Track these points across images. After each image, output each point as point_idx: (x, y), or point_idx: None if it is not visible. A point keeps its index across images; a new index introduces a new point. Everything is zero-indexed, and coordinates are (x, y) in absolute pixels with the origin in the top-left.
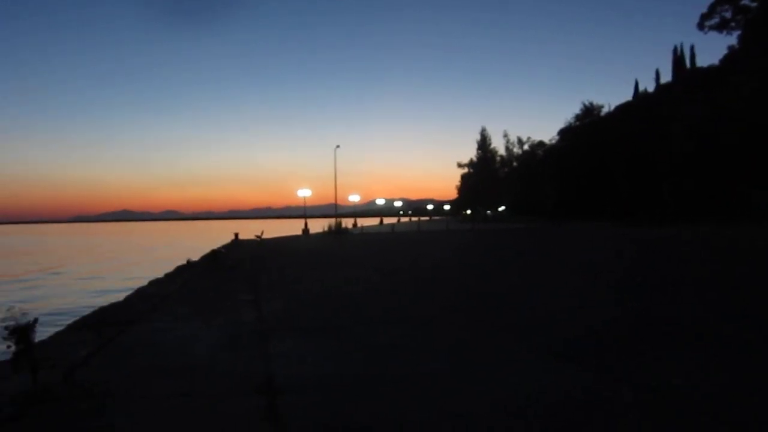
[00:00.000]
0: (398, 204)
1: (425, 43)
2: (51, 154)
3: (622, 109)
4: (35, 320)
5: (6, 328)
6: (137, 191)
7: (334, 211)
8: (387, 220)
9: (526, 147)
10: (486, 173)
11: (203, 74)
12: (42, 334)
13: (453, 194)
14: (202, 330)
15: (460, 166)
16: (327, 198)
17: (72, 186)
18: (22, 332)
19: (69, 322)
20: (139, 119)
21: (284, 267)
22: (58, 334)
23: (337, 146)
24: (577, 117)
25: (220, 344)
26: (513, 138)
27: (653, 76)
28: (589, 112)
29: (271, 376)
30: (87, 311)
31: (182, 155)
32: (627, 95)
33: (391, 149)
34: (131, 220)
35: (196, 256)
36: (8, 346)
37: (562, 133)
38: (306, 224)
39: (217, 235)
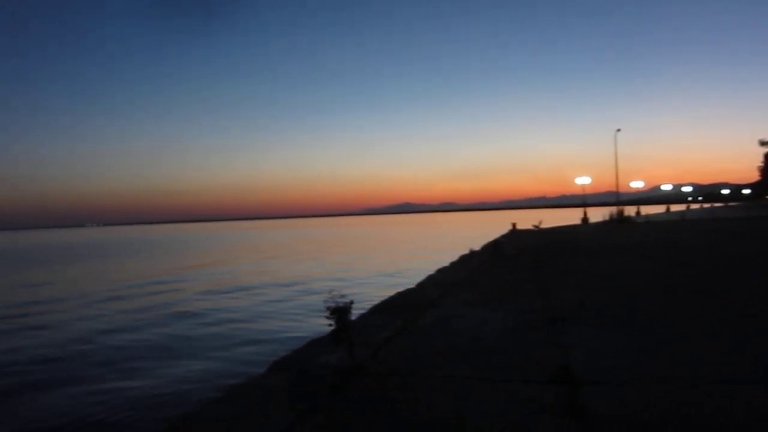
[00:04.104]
0: (687, 189)
1: (711, 12)
2: (340, 153)
3: None
4: (351, 302)
5: (327, 308)
6: (417, 184)
7: (615, 198)
8: (674, 207)
9: None
10: None
11: (475, 68)
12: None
13: (753, 176)
14: (492, 316)
15: (762, 143)
16: (606, 185)
17: (361, 181)
18: (341, 313)
19: (370, 305)
20: (418, 116)
21: (565, 256)
22: (362, 316)
23: (618, 130)
24: None
25: (510, 331)
26: None
27: None
28: None
29: (568, 366)
30: (384, 295)
31: (459, 148)
32: None
33: (677, 129)
34: (411, 211)
35: (474, 246)
36: (329, 325)
37: None
38: (585, 213)
39: (493, 225)
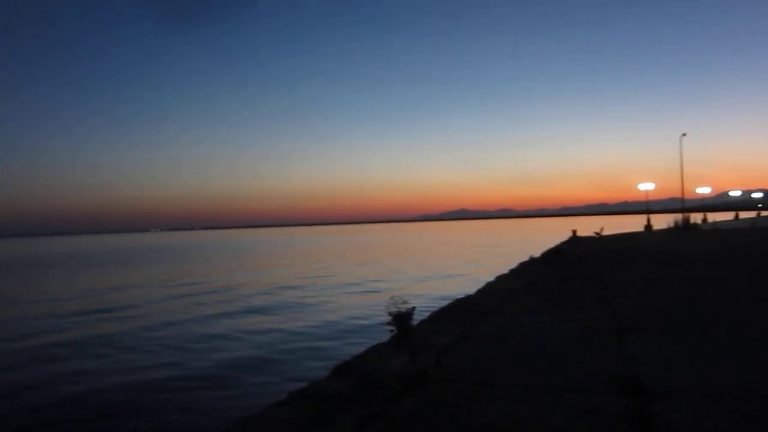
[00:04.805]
0: (757, 195)
1: None
2: (396, 159)
3: None
4: (413, 308)
5: (389, 314)
6: (474, 191)
7: (680, 205)
8: (743, 215)
9: None
10: None
11: (533, 73)
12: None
13: None
14: (553, 324)
15: None
16: (670, 191)
17: (417, 187)
18: (402, 318)
19: (429, 311)
20: (475, 121)
21: (628, 264)
22: (422, 321)
23: (683, 134)
24: None
25: (573, 339)
26: None
27: None
28: None
29: (636, 378)
30: (442, 302)
31: (516, 154)
32: None
33: (747, 133)
34: (468, 218)
35: (533, 253)
36: (390, 330)
37: None
38: (648, 220)
39: (551, 232)
